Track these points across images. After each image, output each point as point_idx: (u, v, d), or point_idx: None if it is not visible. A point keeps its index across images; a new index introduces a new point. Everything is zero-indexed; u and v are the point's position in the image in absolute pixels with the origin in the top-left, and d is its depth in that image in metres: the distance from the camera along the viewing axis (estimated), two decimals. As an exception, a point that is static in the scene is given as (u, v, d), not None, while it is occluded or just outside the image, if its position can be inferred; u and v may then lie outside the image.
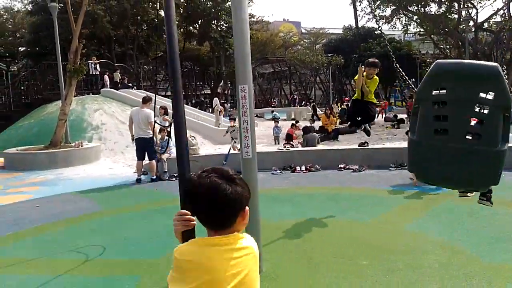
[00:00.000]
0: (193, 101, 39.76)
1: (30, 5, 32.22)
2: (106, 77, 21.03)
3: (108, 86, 20.27)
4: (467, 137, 2.79)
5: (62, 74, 13.36)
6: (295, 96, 46.65)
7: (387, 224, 5.51)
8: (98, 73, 21.08)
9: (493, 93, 2.68)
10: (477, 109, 2.76)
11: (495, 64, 2.81)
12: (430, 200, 6.61)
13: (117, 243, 5.28)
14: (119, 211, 6.88)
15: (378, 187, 7.77)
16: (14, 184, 9.64)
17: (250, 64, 3.85)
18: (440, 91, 2.79)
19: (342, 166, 9.63)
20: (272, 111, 31.37)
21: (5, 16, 38.11)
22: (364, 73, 5.99)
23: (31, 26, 30.30)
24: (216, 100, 19.25)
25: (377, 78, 6.09)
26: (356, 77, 6.18)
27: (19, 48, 36.48)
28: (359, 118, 6.37)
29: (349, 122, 6.58)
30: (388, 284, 3.78)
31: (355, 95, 6.35)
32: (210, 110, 26.99)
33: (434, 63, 2.91)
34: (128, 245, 5.19)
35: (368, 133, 7.04)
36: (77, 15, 13.21)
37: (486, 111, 2.73)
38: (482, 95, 2.72)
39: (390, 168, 9.33)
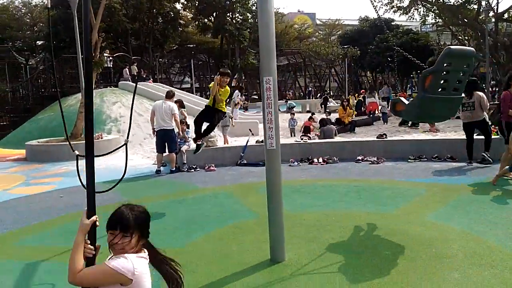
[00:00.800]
0: (208, 94, 39.90)
1: (48, -1, 32.59)
2: (127, 70, 21.27)
3: (130, 79, 20.51)
4: (452, 91, 4.99)
5: (81, 67, 13.53)
6: (310, 88, 46.46)
7: (408, 215, 5.52)
8: (111, 65, 21.32)
9: (467, 65, 4.95)
10: (460, 75, 4.97)
11: (472, 48, 5.32)
12: (450, 191, 6.58)
13: (141, 232, 5.39)
14: (140, 201, 6.93)
15: (398, 178, 7.75)
16: (37, 175, 9.87)
17: (275, 56, 3.88)
18: (446, 65, 4.77)
19: (360, 158, 9.62)
20: (287, 101, 31.33)
21: (23, 11, 38.64)
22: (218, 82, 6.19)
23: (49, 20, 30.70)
24: (237, 92, 19.33)
25: (229, 88, 6.37)
26: (211, 85, 6.44)
27: (37, 42, 37.00)
28: (204, 128, 6.59)
29: (195, 128, 6.60)
30: (410, 273, 3.81)
31: (208, 101, 6.51)
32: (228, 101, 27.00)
33: (445, 47, 4.93)
34: (151, 234, 5.28)
35: (196, 150, 6.89)
36: (96, 9, 13.37)
37: (462, 76, 5.00)
38: (464, 66, 4.92)
39: (409, 160, 9.29)
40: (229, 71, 6.70)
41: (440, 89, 4.88)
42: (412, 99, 5.66)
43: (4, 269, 4.43)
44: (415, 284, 3.61)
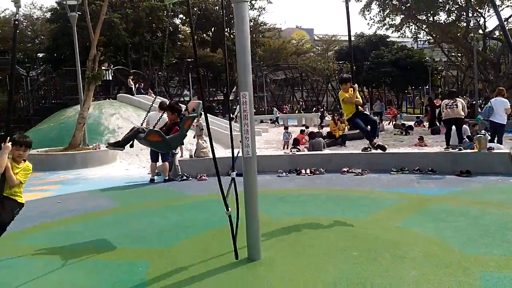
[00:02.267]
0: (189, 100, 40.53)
1: (49, 13, 33.34)
2: (132, 82, 21.90)
3: (134, 91, 21.05)
4: None
5: (80, 79, 14.04)
6: (301, 102, 47.07)
7: (380, 221, 5.93)
8: (111, 78, 21.85)
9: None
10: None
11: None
12: (424, 201, 7.01)
13: (131, 234, 5.81)
14: (133, 207, 7.43)
15: (378, 189, 8.17)
16: (36, 182, 10.27)
17: (250, 73, 4.35)
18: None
19: (345, 169, 10.04)
20: (272, 110, 31.91)
21: (25, 23, 39.38)
22: None
23: (50, 33, 31.38)
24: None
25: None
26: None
27: (38, 54, 37.64)
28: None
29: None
30: (374, 271, 4.21)
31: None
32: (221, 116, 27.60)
33: None
34: (141, 236, 5.71)
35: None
36: (95, 23, 13.94)
37: None
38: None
39: (391, 172, 9.71)
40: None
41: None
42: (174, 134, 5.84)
43: (3, 266, 4.83)
44: (376, 280, 4.01)
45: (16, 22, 4.00)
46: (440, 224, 5.69)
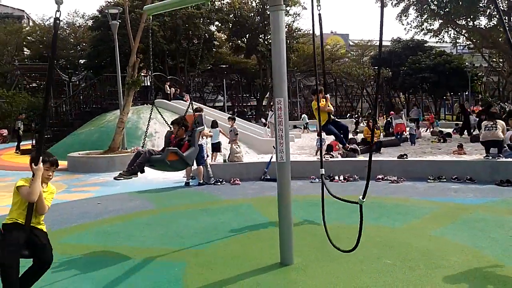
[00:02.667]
0: (235, 110, 40.99)
1: (91, 21, 34.70)
2: (172, 90, 22.56)
3: (172, 97, 21.68)
4: None
5: (120, 85, 14.53)
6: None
7: (414, 230, 5.85)
8: (149, 84, 22.49)
9: None
10: None
11: None
12: (461, 210, 6.85)
13: (167, 235, 5.99)
14: (169, 209, 7.65)
15: (414, 197, 8.04)
16: (77, 184, 10.72)
17: (286, 80, 4.43)
18: None
19: (380, 177, 9.93)
20: (301, 117, 31.86)
21: (67, 31, 41.11)
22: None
23: (91, 40, 32.63)
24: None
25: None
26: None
27: (80, 61, 39.19)
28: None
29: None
30: (407, 280, 4.18)
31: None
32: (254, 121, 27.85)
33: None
34: (176, 237, 5.87)
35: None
36: (135, 31, 14.41)
37: None
38: None
39: (428, 180, 9.52)
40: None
41: None
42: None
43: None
44: (408, 288, 3.98)
45: (57, 20, 3.51)
46: (476, 234, 5.56)
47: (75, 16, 43.50)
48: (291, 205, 4.71)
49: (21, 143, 20.58)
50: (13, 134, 21.53)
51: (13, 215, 3.54)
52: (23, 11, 49.16)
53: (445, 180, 9.50)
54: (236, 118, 16.80)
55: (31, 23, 46.27)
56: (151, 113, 7.11)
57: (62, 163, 14.03)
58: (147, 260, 4.99)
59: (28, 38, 40.50)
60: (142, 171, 5.72)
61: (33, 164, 3.50)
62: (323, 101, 6.76)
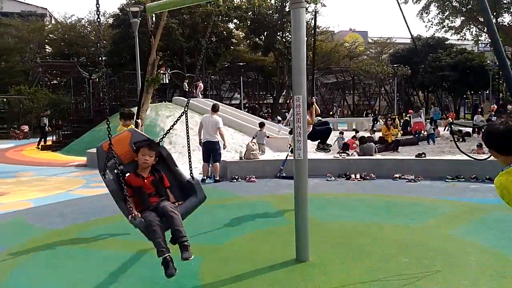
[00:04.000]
0: (247, 105, 40.92)
1: (112, 19, 35.17)
2: (201, 85, 22.85)
3: (199, 95, 21.94)
4: None
5: (140, 83, 14.72)
6: (341, 107, 46.35)
7: (432, 228, 5.81)
8: (167, 82, 22.72)
9: None
10: None
11: None
12: (479, 210, 6.77)
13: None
14: (186, 205, 7.73)
15: (431, 196, 7.97)
16: (96, 179, 10.89)
17: (305, 77, 4.45)
18: None
19: (397, 175, 9.85)
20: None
21: (89, 29, 41.75)
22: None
23: (112, 38, 33.10)
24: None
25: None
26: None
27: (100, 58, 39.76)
28: None
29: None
30: (424, 279, 4.16)
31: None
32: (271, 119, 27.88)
33: None
34: (193, 232, 5.92)
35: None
36: (154, 29, 14.59)
37: None
38: None
39: (446, 180, 9.42)
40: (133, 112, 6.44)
41: None
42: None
43: (68, 255, 5.23)
44: None
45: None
46: (494, 234, 5.50)
47: (95, 15, 44.05)
48: (308, 202, 4.73)
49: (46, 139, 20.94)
50: (39, 130, 22.00)
51: None
52: (46, 9, 50.12)
53: (463, 179, 9.38)
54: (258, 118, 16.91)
55: (53, 21, 47.17)
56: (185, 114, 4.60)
57: (82, 159, 14.33)
58: (164, 254, 5.07)
59: (50, 35, 41.26)
60: None
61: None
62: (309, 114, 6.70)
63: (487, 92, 39.92)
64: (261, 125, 14.78)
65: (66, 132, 21.24)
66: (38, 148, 20.03)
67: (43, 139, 20.50)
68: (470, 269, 4.37)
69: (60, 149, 18.61)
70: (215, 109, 10.27)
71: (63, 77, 38.68)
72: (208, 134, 9.86)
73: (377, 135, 17.98)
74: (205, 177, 10.09)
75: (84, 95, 26.03)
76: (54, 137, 20.74)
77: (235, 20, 35.45)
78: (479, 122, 19.88)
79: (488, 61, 37.32)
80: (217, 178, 10.02)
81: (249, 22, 35.12)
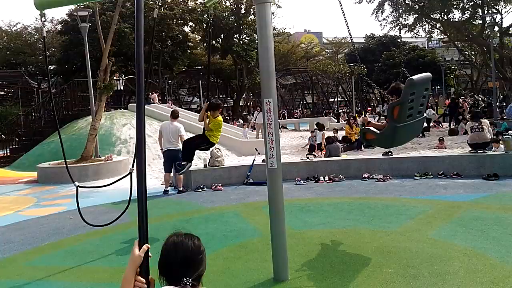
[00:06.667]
0: (197, 107, 40.08)
1: (60, 25, 33.55)
2: (155, 95, 22.09)
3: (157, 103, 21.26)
4: (417, 115, 5.14)
5: (92, 90, 13.86)
6: (301, 107, 46.86)
7: (411, 232, 5.55)
8: (122, 88, 21.83)
9: (426, 89, 5.13)
10: (422, 99, 5.13)
11: (429, 73, 5.31)
12: (454, 208, 6.60)
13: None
14: (148, 221, 7.11)
15: (403, 196, 7.79)
16: (47, 197, 10.06)
17: (274, 79, 4.04)
18: (411, 95, 4.89)
19: (366, 175, 9.67)
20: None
21: (36, 36, 39.68)
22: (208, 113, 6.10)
23: (61, 45, 31.53)
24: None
25: (221, 118, 6.25)
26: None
27: (50, 67, 37.86)
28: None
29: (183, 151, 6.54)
30: (413, 291, 3.85)
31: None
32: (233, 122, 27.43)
33: (408, 79, 4.93)
34: (157, 253, 5.39)
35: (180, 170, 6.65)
36: (105, 34, 13.78)
37: (423, 99, 5.18)
38: (424, 91, 5.09)
39: (415, 177, 9.32)
40: (220, 102, 6.57)
41: (407, 116, 4.98)
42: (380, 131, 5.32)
43: (15, 289, 4.55)
44: (416, 301, 3.65)
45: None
46: (475, 234, 5.31)
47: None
48: (284, 216, 4.31)
49: None
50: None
51: None
52: (-13, 16, 47.29)
53: (431, 176, 9.31)
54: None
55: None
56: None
57: (32, 174, 13.28)
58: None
59: (-6, 44, 38.93)
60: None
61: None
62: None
63: (439, 87, 41.25)
64: (173, 116, 9.80)
65: (14, 146, 19.84)
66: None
67: None
68: (458, 276, 4.10)
69: (9, 165, 17.30)
70: (174, 115, 9.68)
71: (10, 88, 36.49)
72: (168, 142, 9.27)
73: (341, 134, 17.90)
74: (167, 188, 9.50)
75: (33, 106, 24.51)
76: (1, 152, 19.30)
77: (190, 23, 34.75)
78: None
79: (439, 57, 38.59)
80: (181, 189, 9.45)
81: (204, 25, 34.52)
